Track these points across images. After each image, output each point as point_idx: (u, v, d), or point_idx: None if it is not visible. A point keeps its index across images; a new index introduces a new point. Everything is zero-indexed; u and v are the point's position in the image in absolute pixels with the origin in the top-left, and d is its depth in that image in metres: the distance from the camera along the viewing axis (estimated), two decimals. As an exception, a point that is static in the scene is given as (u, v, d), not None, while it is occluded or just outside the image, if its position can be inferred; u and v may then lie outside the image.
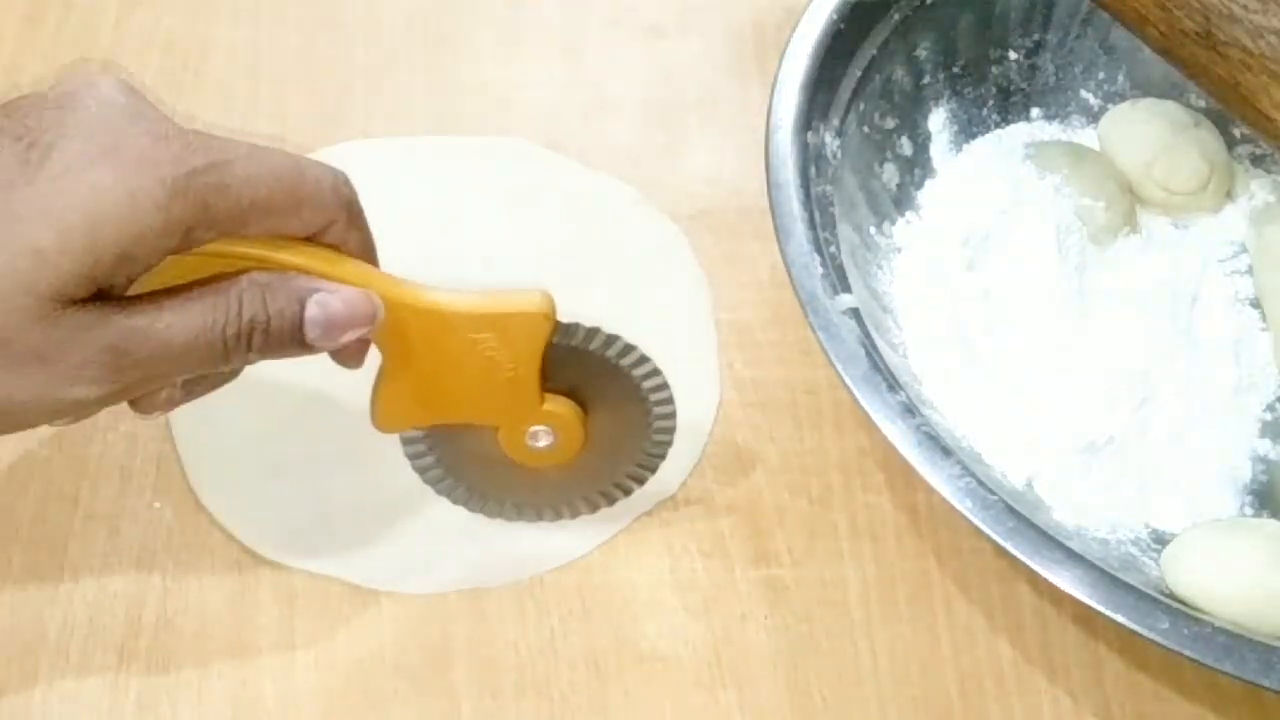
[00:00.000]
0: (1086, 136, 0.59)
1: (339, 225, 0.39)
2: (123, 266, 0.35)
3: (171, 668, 0.47)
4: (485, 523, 0.50)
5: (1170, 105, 0.57)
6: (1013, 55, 0.59)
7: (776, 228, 0.49)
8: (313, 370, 0.53)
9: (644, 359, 0.43)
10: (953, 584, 0.49)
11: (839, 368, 0.45)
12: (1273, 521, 0.49)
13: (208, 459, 0.51)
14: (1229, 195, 0.57)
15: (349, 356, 0.41)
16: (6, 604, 0.48)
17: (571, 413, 0.44)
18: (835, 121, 0.52)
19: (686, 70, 0.63)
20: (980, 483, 0.43)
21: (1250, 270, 0.55)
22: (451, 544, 0.50)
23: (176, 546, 0.49)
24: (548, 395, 0.43)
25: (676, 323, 0.55)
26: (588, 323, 0.42)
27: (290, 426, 0.52)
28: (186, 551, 0.49)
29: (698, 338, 0.55)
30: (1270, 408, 0.52)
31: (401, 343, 0.41)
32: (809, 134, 0.51)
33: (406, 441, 0.45)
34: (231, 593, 0.48)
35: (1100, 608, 0.41)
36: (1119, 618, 0.41)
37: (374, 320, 0.39)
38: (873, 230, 0.53)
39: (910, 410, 0.45)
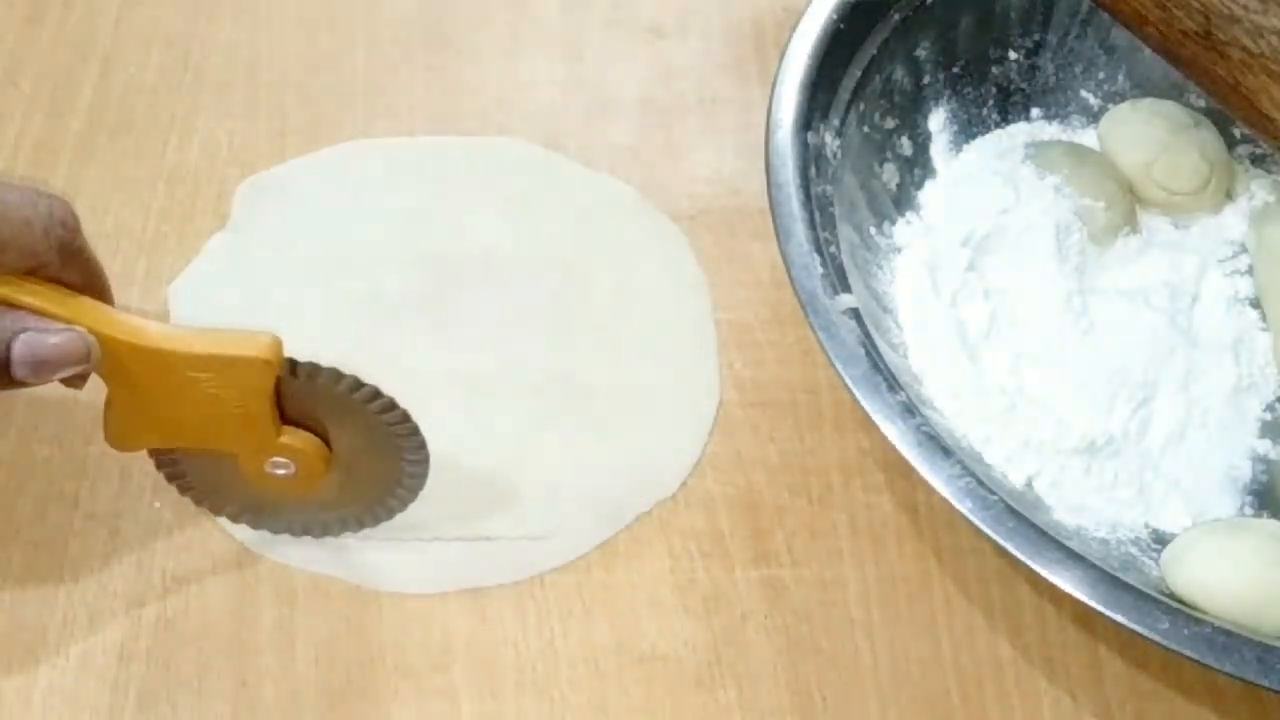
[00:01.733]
0: (1086, 136, 0.59)
1: (52, 265, 0.38)
2: None
3: (171, 668, 0.47)
4: (485, 523, 0.50)
5: (1170, 105, 0.57)
6: (1013, 55, 0.59)
7: (776, 228, 0.49)
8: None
9: (377, 395, 0.43)
10: (953, 584, 0.49)
11: (839, 368, 0.45)
12: (1273, 521, 0.49)
13: (208, 459, 0.51)
14: (1229, 195, 0.57)
15: (69, 383, 0.41)
16: (6, 604, 0.48)
17: (310, 446, 0.44)
18: (835, 121, 0.52)
19: (686, 70, 0.63)
20: (980, 483, 0.43)
21: (1250, 270, 0.55)
22: (451, 544, 0.50)
23: (176, 546, 0.49)
24: (287, 428, 0.43)
25: (676, 323, 0.56)
26: (339, 367, 0.42)
27: (290, 426, 0.52)
28: (186, 551, 0.49)
29: (698, 338, 0.55)
30: (1270, 408, 0.52)
31: (122, 375, 0.41)
32: (809, 134, 0.51)
33: (159, 458, 0.46)
34: (231, 593, 0.48)
35: (1100, 608, 0.41)
36: (1119, 618, 0.41)
37: (86, 359, 0.39)
38: (873, 230, 0.53)
39: (910, 410, 0.45)
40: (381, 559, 0.49)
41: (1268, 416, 0.52)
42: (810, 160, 0.50)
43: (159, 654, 0.47)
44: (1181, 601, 0.44)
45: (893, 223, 0.55)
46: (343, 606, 0.48)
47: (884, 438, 0.44)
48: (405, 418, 0.44)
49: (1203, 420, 0.51)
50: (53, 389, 0.51)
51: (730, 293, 0.56)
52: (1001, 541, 0.42)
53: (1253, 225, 0.56)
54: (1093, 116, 0.59)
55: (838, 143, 0.52)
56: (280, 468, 0.44)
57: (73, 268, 0.39)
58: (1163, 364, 0.51)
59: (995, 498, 0.43)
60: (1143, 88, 0.59)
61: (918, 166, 0.57)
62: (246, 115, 0.60)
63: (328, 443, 0.45)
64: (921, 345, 0.51)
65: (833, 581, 0.49)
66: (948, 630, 0.49)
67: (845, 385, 0.45)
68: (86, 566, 0.48)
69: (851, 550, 0.50)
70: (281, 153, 0.59)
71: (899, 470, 0.51)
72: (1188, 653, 0.40)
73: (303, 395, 0.43)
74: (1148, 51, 0.51)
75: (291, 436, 0.44)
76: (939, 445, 0.44)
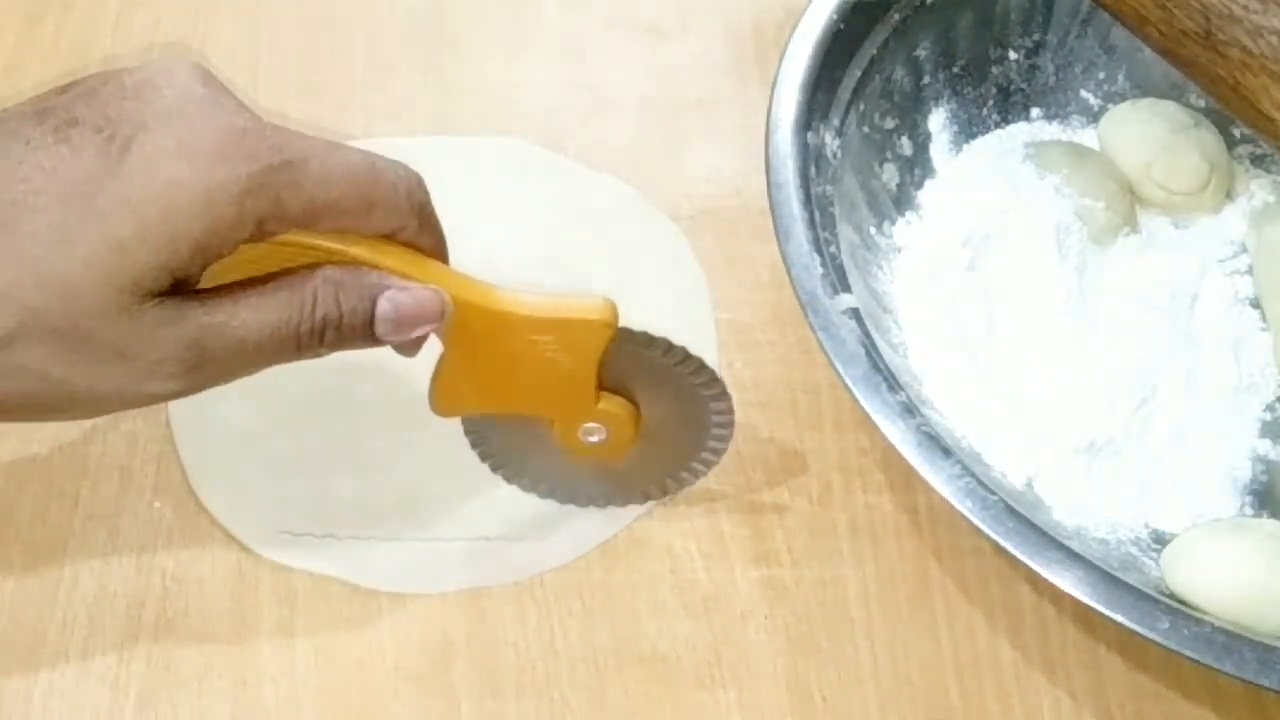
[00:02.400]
0: (1086, 136, 0.59)
1: (410, 229, 0.40)
2: (198, 257, 0.35)
3: (171, 668, 0.47)
4: (485, 523, 0.50)
5: (1170, 105, 0.57)
6: (1013, 55, 0.59)
7: (776, 228, 0.49)
8: (313, 370, 0.53)
9: (701, 366, 0.44)
10: (953, 584, 0.49)
11: (839, 368, 0.45)
12: (1273, 521, 0.49)
13: (208, 459, 0.51)
14: (1229, 195, 0.57)
15: (408, 346, 0.41)
16: (6, 604, 0.48)
17: (625, 412, 0.45)
18: (835, 121, 0.52)
19: (686, 70, 0.63)
20: (980, 483, 0.43)
21: (1250, 270, 0.55)
22: (451, 544, 0.50)
23: (176, 546, 0.49)
24: (603, 394, 0.44)
25: (676, 323, 0.55)
26: (651, 331, 0.43)
27: (290, 426, 0.52)
28: (186, 551, 0.49)
29: (698, 338, 0.55)
30: (1270, 408, 0.52)
31: (464, 337, 0.41)
32: (809, 134, 0.51)
33: (468, 426, 0.47)
34: (231, 593, 0.48)
35: (1100, 608, 0.41)
36: (1119, 618, 0.41)
37: (442, 317, 0.40)
38: (873, 230, 0.53)
39: (910, 410, 0.45)
40: (381, 559, 0.49)
41: (1268, 416, 0.52)
42: (810, 160, 0.50)
43: (159, 654, 0.47)
44: (1181, 601, 0.44)
45: (893, 223, 0.55)
46: (343, 606, 0.48)
47: (884, 438, 0.44)
48: (719, 384, 0.45)
49: (1203, 420, 0.51)
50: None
51: (730, 293, 0.56)
52: (1001, 541, 0.42)
53: (1253, 225, 0.56)
54: (1093, 116, 0.59)
55: (838, 143, 0.52)
56: (593, 434, 0.45)
57: (426, 233, 0.40)
58: (1163, 364, 0.51)
59: (995, 498, 0.43)
60: (1143, 88, 0.59)
61: (918, 166, 0.57)
62: (246, 115, 0.60)
63: (637, 414, 0.45)
64: (921, 345, 0.51)
65: (833, 581, 0.49)
66: (948, 630, 0.49)
67: (845, 385, 0.45)
68: (86, 566, 0.48)
69: (851, 550, 0.50)
70: (281, 153, 0.59)
71: (899, 470, 0.51)
72: (1188, 653, 0.40)
73: (619, 361, 0.43)
74: (1148, 51, 0.51)
75: (608, 402, 0.45)
76: (939, 445, 0.44)
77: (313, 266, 0.38)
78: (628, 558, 0.50)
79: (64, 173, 0.34)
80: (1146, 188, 0.56)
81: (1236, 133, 0.58)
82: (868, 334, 0.47)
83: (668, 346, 0.43)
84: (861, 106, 0.54)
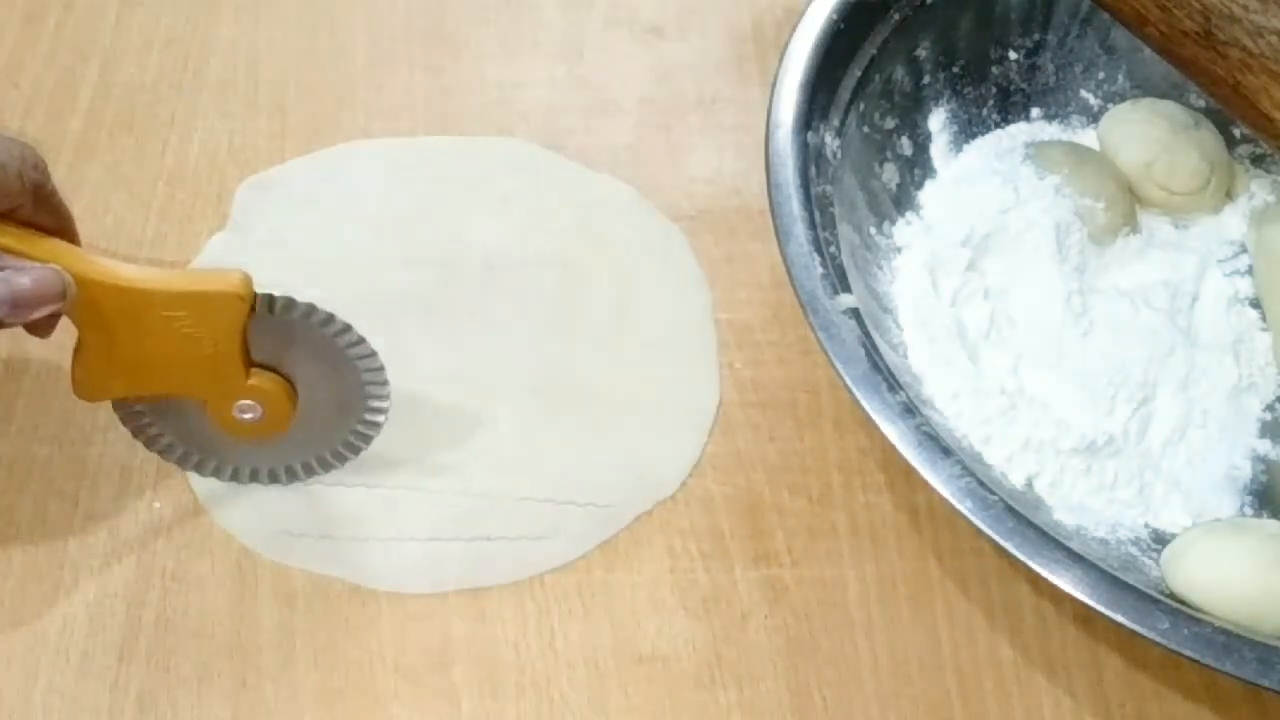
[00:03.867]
0: (1086, 136, 0.59)
1: (25, 209, 0.39)
2: None
3: (171, 668, 0.47)
4: (485, 523, 0.50)
5: (1170, 105, 0.57)
6: (1013, 55, 0.59)
7: (776, 228, 0.49)
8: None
9: (347, 329, 0.43)
10: (953, 584, 0.49)
11: (839, 368, 0.45)
12: (1273, 521, 0.49)
13: (208, 459, 0.51)
14: (1229, 195, 0.57)
15: (38, 328, 0.41)
16: (6, 604, 0.48)
17: (278, 387, 0.45)
18: (835, 121, 0.52)
19: (686, 70, 0.63)
20: (980, 483, 0.43)
21: (1250, 270, 0.55)
22: (451, 544, 0.50)
23: (176, 546, 0.49)
24: (254, 370, 0.44)
25: (676, 323, 0.56)
26: (292, 297, 0.42)
27: (290, 426, 0.52)
28: (186, 552, 0.49)
29: (698, 338, 0.55)
30: (1270, 408, 0.52)
31: (96, 317, 0.41)
32: (809, 134, 0.51)
33: (121, 411, 0.46)
34: (231, 593, 0.48)
35: (1100, 608, 0.41)
36: (1119, 618, 0.41)
37: (64, 297, 0.39)
38: (873, 230, 0.53)
39: (910, 410, 0.45)
40: (381, 559, 0.49)
41: (1268, 416, 0.52)
42: (810, 160, 0.50)
43: (159, 654, 0.47)
44: (1181, 601, 0.44)
45: (893, 223, 0.55)
46: (343, 606, 0.48)
47: (884, 438, 0.44)
48: (369, 349, 0.44)
49: (1203, 420, 0.51)
50: (55, 387, 0.51)
51: (730, 293, 0.56)
52: (1001, 541, 0.42)
53: (1253, 225, 0.56)
54: (1093, 116, 0.59)
55: (838, 143, 0.52)
56: (248, 411, 0.45)
57: (45, 211, 0.40)
58: (1163, 364, 0.51)
59: (995, 498, 0.43)
60: (1143, 88, 0.59)
61: (918, 166, 0.57)
62: (246, 115, 0.60)
63: (292, 385, 0.45)
64: (921, 345, 0.51)
65: (833, 581, 0.49)
66: (948, 630, 0.49)
67: (845, 385, 0.45)
68: (86, 566, 0.48)
69: (851, 550, 0.50)
70: (281, 153, 0.59)
71: (899, 470, 0.51)
72: (1188, 653, 0.40)
73: (266, 336, 0.43)
74: (1148, 51, 0.51)
75: (259, 378, 0.44)
76: (939, 445, 0.44)
77: None
78: (628, 558, 0.50)
79: None
80: (1146, 188, 0.56)
81: (1236, 133, 0.58)
82: (868, 334, 0.47)
83: (319, 315, 0.42)
84: (861, 106, 0.54)
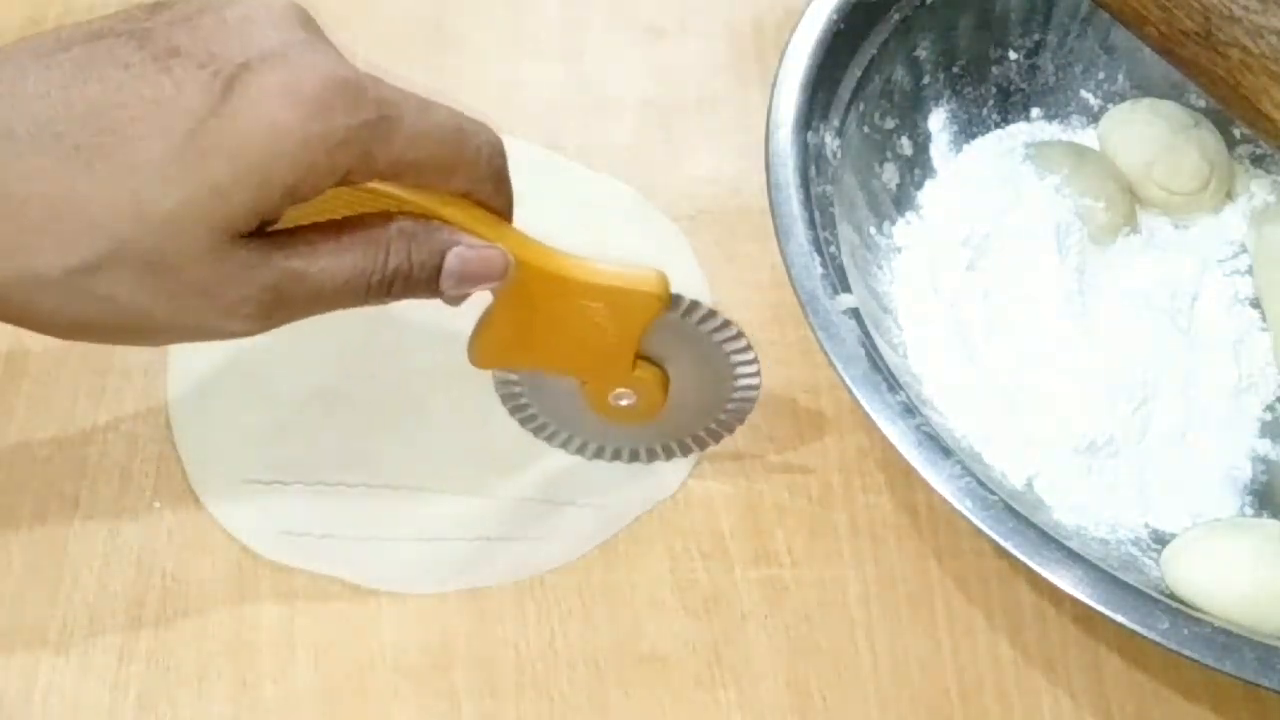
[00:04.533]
0: (1086, 136, 0.59)
1: (486, 191, 0.40)
2: (286, 200, 0.36)
3: (171, 668, 0.47)
4: (485, 523, 0.50)
5: (1170, 105, 0.57)
6: (1013, 55, 0.59)
7: (776, 228, 0.49)
8: (314, 370, 0.53)
9: (727, 323, 0.45)
10: (953, 584, 0.50)
11: (839, 368, 0.45)
12: (1273, 521, 0.49)
13: (208, 459, 0.51)
14: (1229, 195, 0.57)
15: (452, 300, 0.42)
16: (6, 604, 0.48)
17: (655, 379, 0.46)
18: (835, 121, 0.52)
19: (686, 70, 0.63)
20: (980, 483, 0.43)
21: (1250, 270, 0.55)
22: (451, 544, 0.50)
23: (176, 546, 0.49)
24: (639, 360, 0.45)
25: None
26: (689, 296, 0.43)
27: (290, 426, 0.52)
28: (186, 551, 0.49)
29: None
30: (1270, 408, 0.52)
31: (518, 296, 0.42)
32: (809, 134, 0.51)
33: (499, 380, 0.47)
34: (231, 593, 0.48)
35: (1100, 608, 0.41)
36: (1119, 618, 0.41)
37: (505, 276, 0.40)
38: (873, 230, 0.53)
39: (910, 410, 0.45)
40: (381, 559, 0.49)
41: (1268, 416, 0.52)
42: (810, 160, 0.50)
43: (159, 654, 0.47)
44: (1181, 601, 0.44)
45: (893, 223, 0.55)
46: (343, 606, 0.48)
47: (884, 438, 0.44)
48: (751, 355, 0.46)
49: (1203, 420, 0.51)
50: (55, 387, 0.51)
51: (730, 293, 0.56)
52: (1001, 541, 0.42)
53: (1253, 225, 0.56)
54: (1093, 116, 0.59)
55: (838, 143, 0.52)
56: (623, 399, 0.46)
57: (499, 195, 0.41)
58: (1163, 364, 0.51)
59: (995, 498, 0.43)
60: (1143, 88, 0.59)
61: (918, 166, 0.57)
62: (246, 115, 0.60)
63: (666, 379, 0.46)
64: (921, 345, 0.51)
65: (833, 581, 0.49)
66: (948, 630, 0.49)
67: (845, 385, 0.45)
68: (86, 566, 0.48)
69: (851, 550, 0.50)
70: (281, 153, 0.59)
71: (899, 470, 0.51)
72: (1188, 653, 0.40)
73: (658, 331, 0.44)
74: (1148, 51, 0.51)
75: (641, 369, 0.45)
76: (939, 445, 0.44)
77: (387, 216, 0.38)
78: (628, 558, 0.50)
79: (166, 105, 0.34)
80: (1146, 188, 0.56)
81: (1236, 133, 0.58)
82: (868, 334, 0.47)
83: (693, 307, 0.44)
84: (861, 106, 0.54)
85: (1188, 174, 0.56)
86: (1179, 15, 0.48)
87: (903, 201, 0.56)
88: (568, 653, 0.48)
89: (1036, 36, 0.59)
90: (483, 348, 0.45)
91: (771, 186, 0.49)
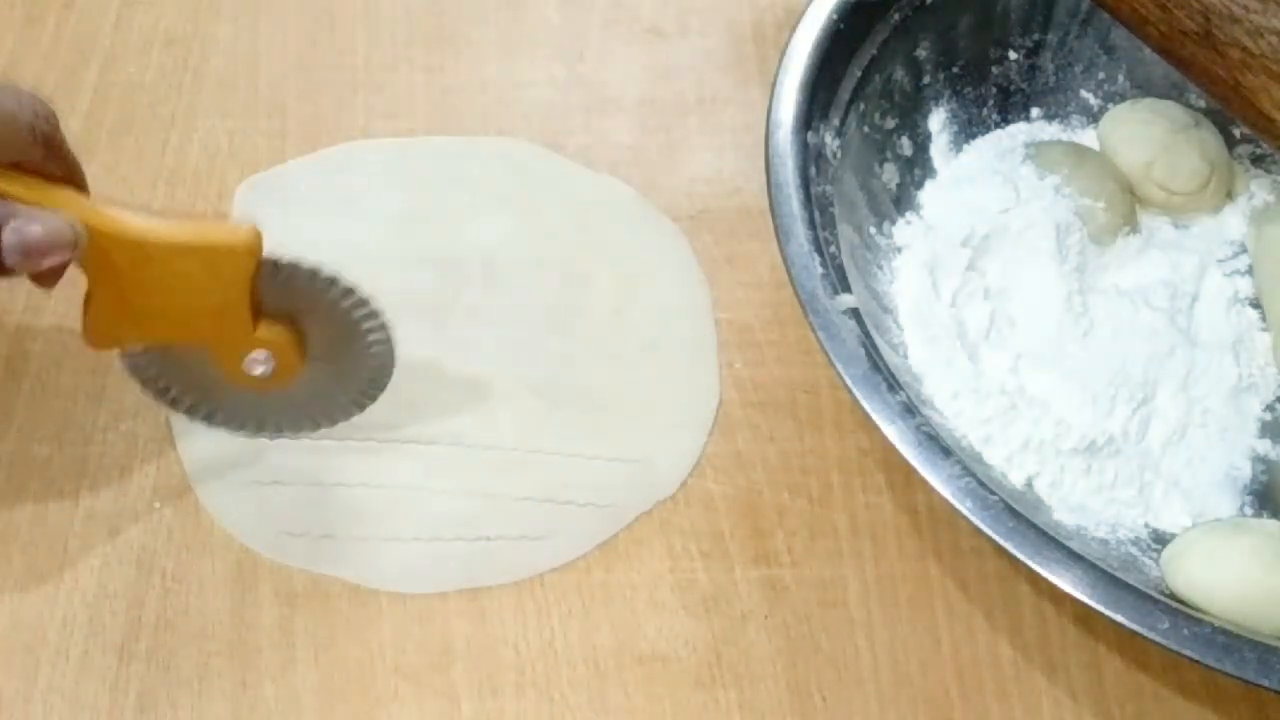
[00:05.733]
0: (1086, 136, 0.59)
1: (34, 159, 0.39)
2: None
3: (171, 668, 0.47)
4: (485, 523, 0.50)
5: (1170, 105, 0.57)
6: (1013, 55, 0.59)
7: (776, 228, 0.49)
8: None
9: (351, 291, 0.44)
10: (953, 584, 0.49)
11: (839, 368, 0.45)
12: (1273, 521, 0.49)
13: (208, 459, 0.51)
14: (1229, 195, 0.57)
15: (43, 278, 0.41)
16: (6, 604, 0.48)
17: (285, 339, 0.45)
18: (835, 121, 0.52)
19: (686, 70, 0.63)
20: (980, 483, 0.43)
21: (1250, 270, 0.55)
22: (451, 544, 0.50)
23: (176, 546, 0.49)
24: (263, 322, 0.44)
25: (676, 323, 0.56)
26: (299, 259, 0.43)
27: (290, 426, 0.52)
28: (186, 551, 0.49)
29: (698, 338, 0.55)
30: (1270, 408, 0.52)
31: (106, 267, 0.41)
32: (809, 134, 0.51)
33: (128, 360, 0.46)
34: (231, 593, 0.48)
35: (1100, 608, 0.41)
36: (1119, 618, 0.41)
37: (75, 246, 0.39)
38: (873, 230, 0.53)
39: (910, 410, 0.45)
40: (381, 559, 0.49)
41: (1268, 416, 0.52)
42: (810, 160, 0.50)
43: (159, 654, 0.47)
44: (1181, 601, 0.44)
45: (893, 223, 0.55)
46: (343, 606, 0.48)
47: (884, 438, 0.44)
48: (375, 312, 0.45)
49: (1203, 420, 0.51)
50: (55, 387, 0.51)
51: (730, 293, 0.56)
52: (1001, 541, 0.42)
53: (1253, 225, 0.56)
54: (1093, 116, 0.59)
55: (838, 143, 0.52)
56: (258, 364, 0.45)
57: (54, 161, 0.40)
58: (1163, 364, 0.51)
59: (995, 498, 0.43)
60: (1143, 88, 0.59)
61: (918, 166, 0.57)
62: (246, 115, 0.60)
63: (300, 339, 0.45)
64: (921, 345, 0.51)
65: (833, 581, 0.49)
66: (948, 630, 0.49)
67: (845, 385, 0.45)
68: (86, 566, 0.48)
69: (851, 550, 0.50)
70: (281, 153, 0.59)
71: (899, 470, 0.51)
72: (1188, 653, 0.40)
73: (279, 292, 0.43)
74: (1148, 51, 0.51)
75: (267, 330, 0.44)
76: (939, 445, 0.44)
77: None
78: (628, 558, 0.50)
79: None
80: (1146, 188, 0.56)
81: (1236, 133, 0.58)
82: (868, 334, 0.47)
83: (329, 279, 0.43)
84: (861, 106, 0.54)
85: (1188, 174, 0.56)
86: (1179, 15, 0.48)
87: (903, 201, 0.56)
88: (568, 653, 0.48)
89: (1036, 36, 0.59)
90: (92, 327, 0.43)
91: (771, 186, 0.49)
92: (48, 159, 0.39)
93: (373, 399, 0.49)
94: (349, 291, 0.44)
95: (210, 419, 0.49)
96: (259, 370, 0.45)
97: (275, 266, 0.42)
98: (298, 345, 0.45)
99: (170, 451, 0.51)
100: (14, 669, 0.46)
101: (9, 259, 0.38)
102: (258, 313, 0.44)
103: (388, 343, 0.46)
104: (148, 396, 0.48)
